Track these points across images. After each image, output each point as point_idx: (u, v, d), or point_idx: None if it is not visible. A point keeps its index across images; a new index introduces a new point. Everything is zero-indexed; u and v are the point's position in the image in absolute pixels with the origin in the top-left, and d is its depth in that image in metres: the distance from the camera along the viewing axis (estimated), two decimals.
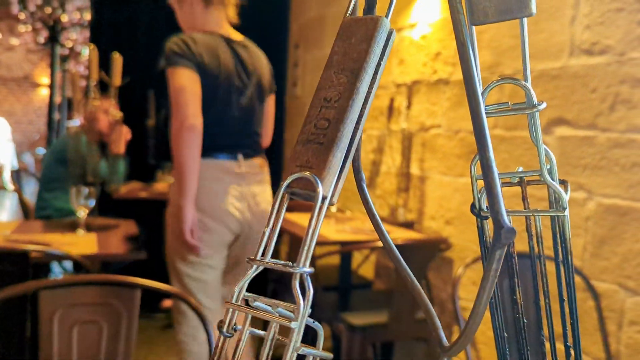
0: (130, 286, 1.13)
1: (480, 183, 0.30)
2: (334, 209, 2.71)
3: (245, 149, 1.84)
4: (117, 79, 2.07)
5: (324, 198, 0.27)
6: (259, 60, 1.92)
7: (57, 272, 3.21)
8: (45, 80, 10.92)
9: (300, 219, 2.62)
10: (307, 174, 0.27)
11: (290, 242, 3.15)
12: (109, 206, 3.20)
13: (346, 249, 2.35)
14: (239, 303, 0.28)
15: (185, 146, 1.65)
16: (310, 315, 0.27)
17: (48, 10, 4.74)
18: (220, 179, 1.77)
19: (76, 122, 5.44)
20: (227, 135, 1.82)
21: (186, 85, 1.68)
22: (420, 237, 2.36)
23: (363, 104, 0.29)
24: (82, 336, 1.11)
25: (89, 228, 2.07)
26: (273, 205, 0.28)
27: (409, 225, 2.62)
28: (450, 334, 2.40)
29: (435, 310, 0.34)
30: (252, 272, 0.28)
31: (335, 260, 2.63)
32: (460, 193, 2.41)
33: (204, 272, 1.77)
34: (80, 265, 1.57)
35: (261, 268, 0.28)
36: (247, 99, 1.84)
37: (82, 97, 2.25)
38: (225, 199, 1.75)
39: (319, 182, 0.27)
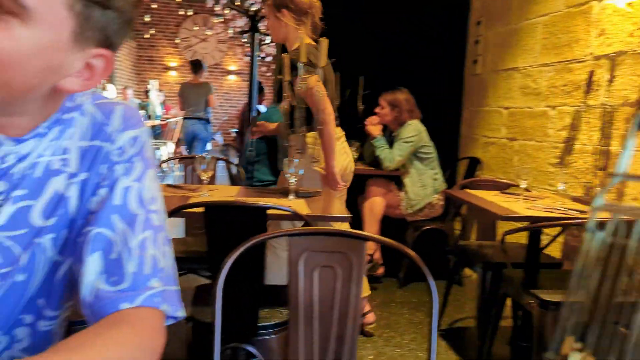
0: (360, 238, 1.30)
1: None
2: (523, 185, 2.67)
3: None
4: (322, 60, 2.28)
5: None
6: None
7: None
8: (232, 67, 12.08)
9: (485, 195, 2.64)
10: None
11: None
12: None
13: (538, 226, 2.32)
14: None
15: (332, 127, 2.44)
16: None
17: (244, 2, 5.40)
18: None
19: (261, 106, 5.99)
20: None
21: (322, 86, 2.39)
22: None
23: None
24: (321, 278, 1.31)
25: (297, 194, 2.34)
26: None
27: None
28: None
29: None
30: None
31: (522, 238, 2.60)
32: None
33: None
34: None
35: None
36: None
37: (290, 78, 2.52)
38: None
39: None
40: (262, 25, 4.33)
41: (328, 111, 2.42)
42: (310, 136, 2.54)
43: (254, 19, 3.82)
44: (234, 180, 3.69)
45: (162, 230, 0.76)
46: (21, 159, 0.72)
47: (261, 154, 3.71)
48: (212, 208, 1.67)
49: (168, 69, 12.09)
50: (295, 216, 1.63)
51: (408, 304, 3.46)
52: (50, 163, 0.73)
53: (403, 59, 4.12)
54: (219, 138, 11.18)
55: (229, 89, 12.22)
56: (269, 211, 1.66)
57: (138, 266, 0.71)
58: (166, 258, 0.75)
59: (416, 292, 3.66)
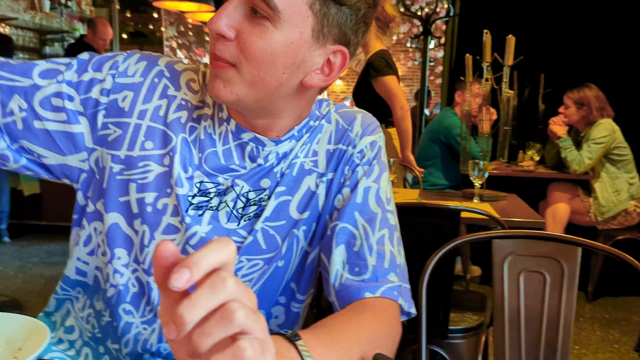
0: (573, 243, 1.22)
1: None
2: None
3: None
4: (509, 59, 2.20)
5: None
6: None
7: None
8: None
9: None
10: None
11: None
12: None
13: None
14: None
15: (408, 119, 2.94)
16: None
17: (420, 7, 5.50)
18: None
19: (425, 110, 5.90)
20: None
21: (396, 85, 2.94)
22: None
23: None
24: (528, 283, 1.26)
25: (481, 198, 2.28)
26: None
27: None
28: None
29: None
30: None
31: None
32: None
33: None
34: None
35: None
36: None
37: (472, 78, 2.47)
38: None
39: None
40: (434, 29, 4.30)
41: (406, 107, 2.94)
42: None
43: (426, 22, 3.80)
44: (404, 184, 3.71)
45: (397, 229, 0.82)
46: (281, 158, 0.81)
47: (434, 157, 3.67)
48: (404, 209, 1.69)
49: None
50: (491, 220, 1.59)
51: (599, 320, 3.15)
52: (303, 164, 0.82)
53: (589, 51, 3.76)
54: None
55: None
56: (463, 214, 1.64)
57: (378, 260, 0.76)
58: (401, 256, 0.81)
59: (607, 307, 3.33)
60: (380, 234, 0.78)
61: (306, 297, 0.88)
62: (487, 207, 2.12)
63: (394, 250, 0.79)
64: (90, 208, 0.81)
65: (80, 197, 0.82)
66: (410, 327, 1.84)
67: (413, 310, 0.77)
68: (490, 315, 1.88)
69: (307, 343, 0.53)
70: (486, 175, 2.22)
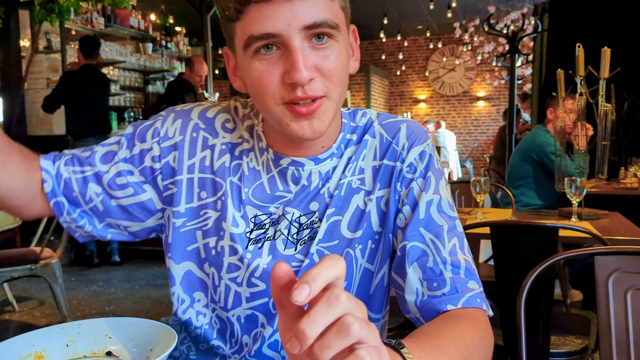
0: None
1: None
2: None
3: None
4: (605, 72, 2.12)
5: None
6: None
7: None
8: (481, 93, 11.91)
9: None
10: None
11: None
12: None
13: None
14: None
15: None
16: None
17: (509, 25, 5.38)
18: None
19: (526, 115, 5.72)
20: None
21: None
22: None
23: None
24: (636, 302, 1.21)
25: (580, 216, 2.18)
26: None
27: None
28: None
29: None
30: None
31: None
32: None
33: None
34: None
35: None
36: None
37: (565, 94, 2.40)
38: None
39: None
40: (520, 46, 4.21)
41: None
42: None
43: (513, 40, 3.73)
44: (496, 204, 3.61)
45: (464, 236, 0.82)
46: (325, 179, 0.83)
47: (526, 176, 3.55)
48: (499, 228, 1.67)
49: (418, 101, 12.53)
50: (593, 237, 1.53)
51: None
52: (351, 182, 0.83)
53: None
54: (469, 165, 11.05)
55: (478, 115, 12.05)
56: (561, 232, 1.59)
57: (454, 271, 0.77)
58: (472, 262, 0.81)
59: None
60: (450, 244, 0.78)
61: (381, 317, 0.88)
62: (586, 226, 2.03)
63: (467, 257, 0.79)
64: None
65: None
66: (509, 350, 1.78)
67: (491, 313, 0.78)
68: (595, 339, 1.79)
69: (410, 351, 0.56)
70: (584, 192, 2.13)
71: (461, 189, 3.18)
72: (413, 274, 0.77)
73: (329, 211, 0.82)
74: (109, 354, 0.75)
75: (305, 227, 0.82)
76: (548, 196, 3.49)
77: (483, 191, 2.32)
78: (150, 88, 7.14)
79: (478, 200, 2.32)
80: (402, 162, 0.82)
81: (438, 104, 12.39)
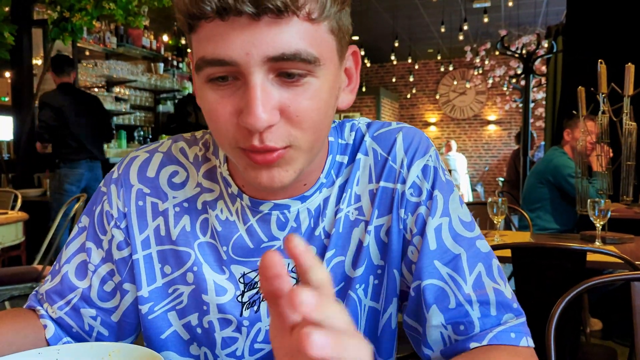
0: None
1: None
2: None
3: None
4: (629, 89, 2.04)
5: None
6: None
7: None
8: (492, 117, 11.84)
9: None
10: None
11: None
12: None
13: None
14: None
15: None
16: None
17: (524, 46, 5.34)
18: None
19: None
20: None
21: None
22: None
23: None
24: None
25: (604, 240, 2.08)
26: None
27: None
28: None
29: None
30: None
31: None
32: None
33: None
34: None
35: None
36: None
37: (586, 113, 2.31)
38: None
39: None
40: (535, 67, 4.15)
41: None
42: None
43: (527, 61, 3.67)
44: (510, 227, 3.50)
45: (492, 256, 0.68)
46: (316, 217, 0.69)
47: (542, 199, 3.45)
48: (521, 251, 1.57)
49: (428, 124, 12.48)
50: (624, 262, 1.43)
51: None
52: (348, 215, 0.70)
53: None
54: (480, 189, 10.92)
55: (489, 139, 11.97)
56: (589, 256, 1.49)
57: (482, 309, 0.65)
58: (507, 287, 0.68)
59: None
60: (474, 276, 0.66)
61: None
62: (612, 250, 1.93)
63: (498, 285, 0.66)
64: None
65: None
66: None
67: (531, 343, 0.65)
68: None
69: None
70: (609, 214, 2.03)
71: (476, 211, 3.08)
72: (435, 320, 0.65)
73: (328, 254, 0.69)
74: None
75: None
76: (565, 220, 3.37)
77: (501, 212, 2.22)
78: (160, 107, 7.16)
79: (495, 221, 2.22)
80: (403, 182, 0.69)
81: (449, 127, 12.32)
